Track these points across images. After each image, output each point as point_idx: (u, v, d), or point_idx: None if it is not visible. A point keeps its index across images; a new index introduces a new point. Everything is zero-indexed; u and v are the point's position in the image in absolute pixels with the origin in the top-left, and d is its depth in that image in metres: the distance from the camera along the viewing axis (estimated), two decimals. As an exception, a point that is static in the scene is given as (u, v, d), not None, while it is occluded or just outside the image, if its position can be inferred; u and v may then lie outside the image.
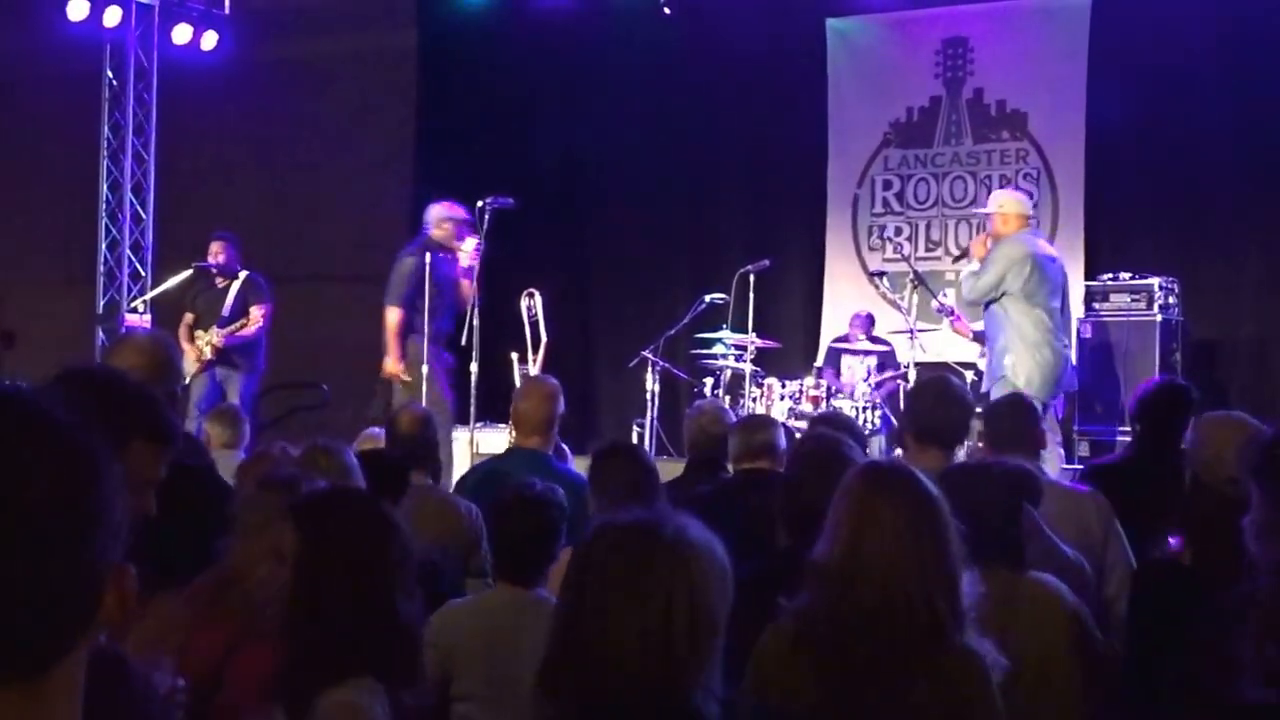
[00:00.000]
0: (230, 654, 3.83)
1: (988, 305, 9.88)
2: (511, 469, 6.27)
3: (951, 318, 11.26)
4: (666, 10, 13.73)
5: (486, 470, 6.72)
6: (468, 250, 10.68)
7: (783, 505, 4.71)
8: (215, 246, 12.35)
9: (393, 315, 10.71)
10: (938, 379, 6.77)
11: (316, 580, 3.23)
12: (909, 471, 3.56)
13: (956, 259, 10.84)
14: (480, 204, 10.76)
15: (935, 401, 5.78)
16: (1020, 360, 9.60)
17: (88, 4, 13.80)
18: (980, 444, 6.49)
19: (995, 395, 9.13)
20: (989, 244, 10.06)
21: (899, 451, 10.78)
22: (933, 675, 3.37)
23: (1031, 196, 13.09)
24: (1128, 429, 8.95)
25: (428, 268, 10.55)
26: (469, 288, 10.66)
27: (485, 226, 10.70)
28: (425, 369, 10.48)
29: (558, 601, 2.87)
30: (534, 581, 4.56)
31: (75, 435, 1.43)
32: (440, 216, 10.93)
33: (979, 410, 6.82)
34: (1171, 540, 4.76)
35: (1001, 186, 13.30)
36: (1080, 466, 10.28)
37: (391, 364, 10.68)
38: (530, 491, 4.70)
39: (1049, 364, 9.65)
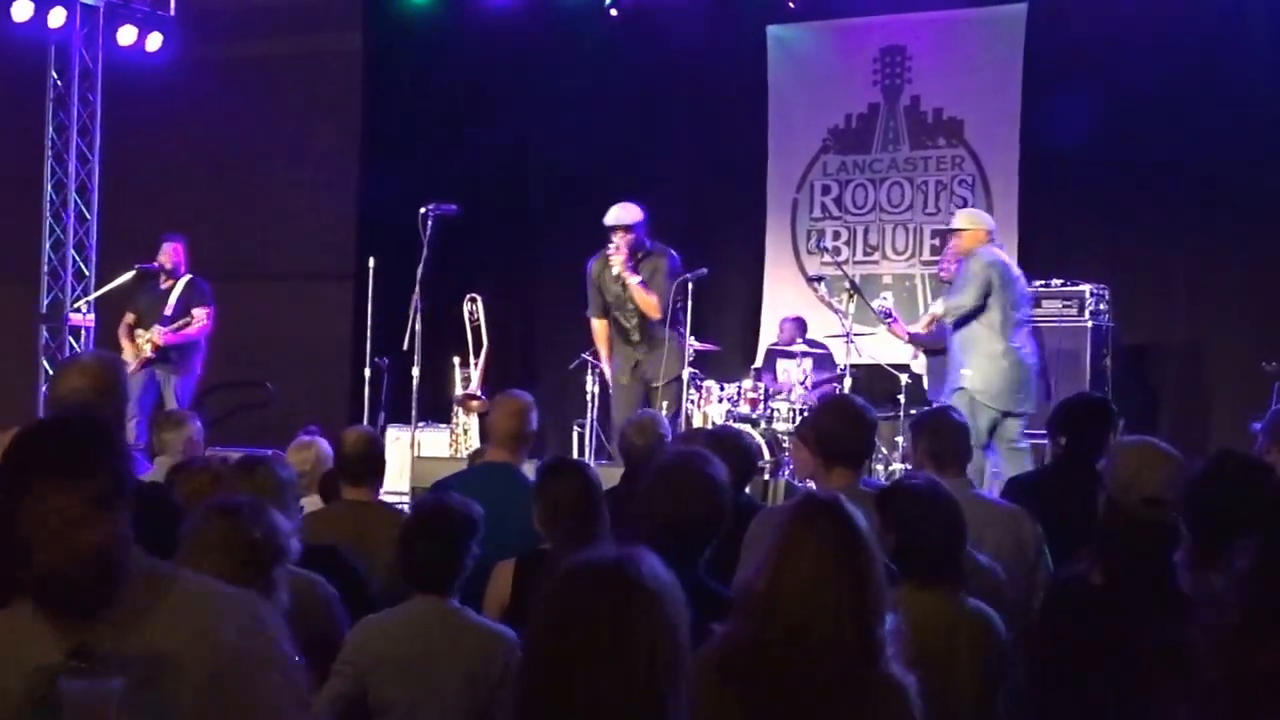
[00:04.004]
0: None
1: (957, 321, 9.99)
2: (480, 482, 6.31)
3: (889, 320, 11.46)
4: (614, 12, 13.88)
5: (455, 482, 6.70)
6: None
7: (638, 516, 4.77)
8: (167, 247, 12.48)
9: (593, 325, 11.07)
10: (839, 399, 6.87)
11: None
12: (838, 504, 3.56)
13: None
14: (423, 210, 10.86)
15: (842, 422, 5.77)
16: (978, 371, 9.69)
17: (32, 5, 13.76)
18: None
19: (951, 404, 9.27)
20: (955, 261, 10.20)
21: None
22: (855, 706, 3.40)
23: (966, 203, 13.30)
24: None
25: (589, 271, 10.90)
26: (632, 288, 10.67)
27: (428, 232, 10.80)
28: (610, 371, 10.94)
29: (529, 643, 2.86)
30: (448, 591, 4.67)
31: None
32: None
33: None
34: None
35: (938, 193, 13.55)
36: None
37: (605, 370, 11.06)
38: (435, 504, 4.83)
39: (1007, 373, 9.73)
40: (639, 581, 2.73)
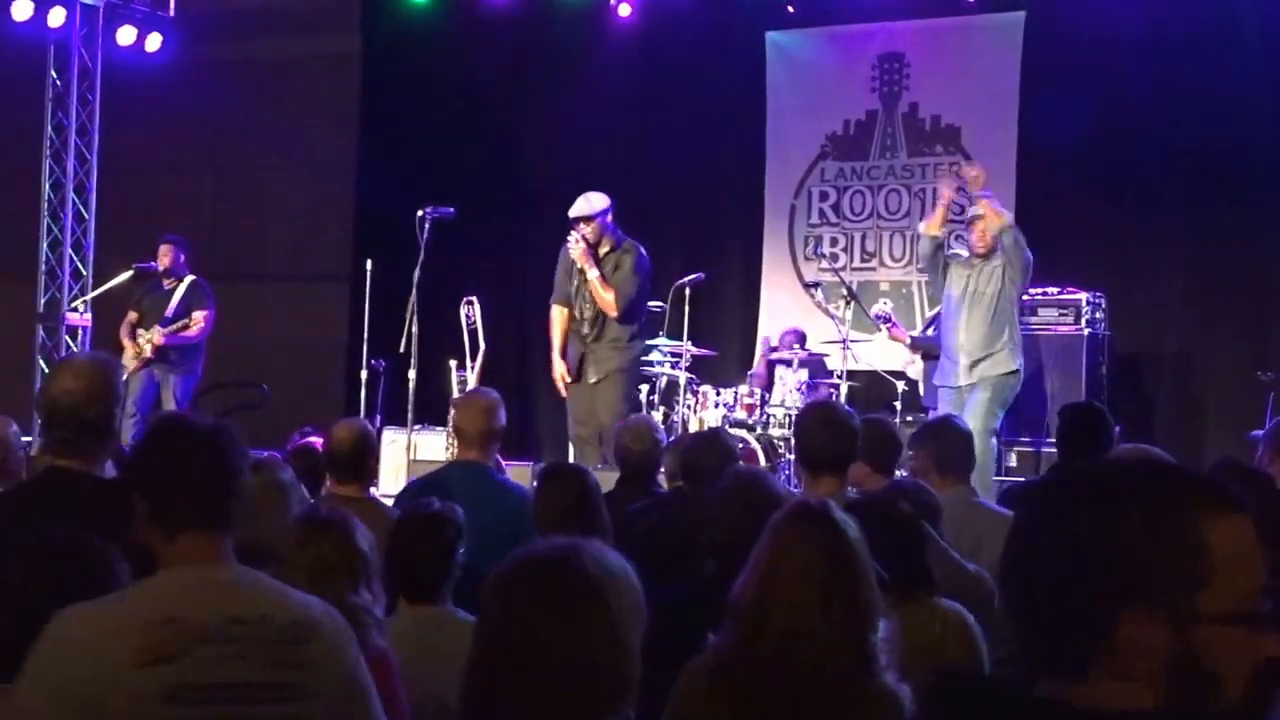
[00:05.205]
0: None
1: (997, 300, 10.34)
2: (453, 482, 6.26)
3: (888, 325, 11.49)
4: (623, 10, 13.91)
5: (428, 483, 6.64)
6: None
7: (705, 533, 4.69)
8: (164, 249, 12.51)
9: (552, 311, 10.75)
10: (821, 406, 6.85)
11: None
12: (829, 512, 3.54)
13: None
14: (420, 213, 10.84)
15: (823, 429, 5.70)
16: (1016, 355, 10.05)
17: (31, 4, 13.77)
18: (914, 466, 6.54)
19: (1010, 389, 10.01)
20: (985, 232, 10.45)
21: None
22: (848, 716, 3.37)
23: (963, 210, 13.33)
24: (1054, 440, 9.13)
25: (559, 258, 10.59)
26: (591, 282, 10.31)
27: (425, 234, 10.79)
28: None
29: (478, 629, 2.86)
30: (438, 598, 4.60)
31: None
32: None
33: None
34: None
35: (935, 200, 13.54)
36: (1006, 479, 10.54)
37: (555, 366, 10.63)
38: (426, 510, 4.74)
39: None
40: (584, 572, 2.70)
